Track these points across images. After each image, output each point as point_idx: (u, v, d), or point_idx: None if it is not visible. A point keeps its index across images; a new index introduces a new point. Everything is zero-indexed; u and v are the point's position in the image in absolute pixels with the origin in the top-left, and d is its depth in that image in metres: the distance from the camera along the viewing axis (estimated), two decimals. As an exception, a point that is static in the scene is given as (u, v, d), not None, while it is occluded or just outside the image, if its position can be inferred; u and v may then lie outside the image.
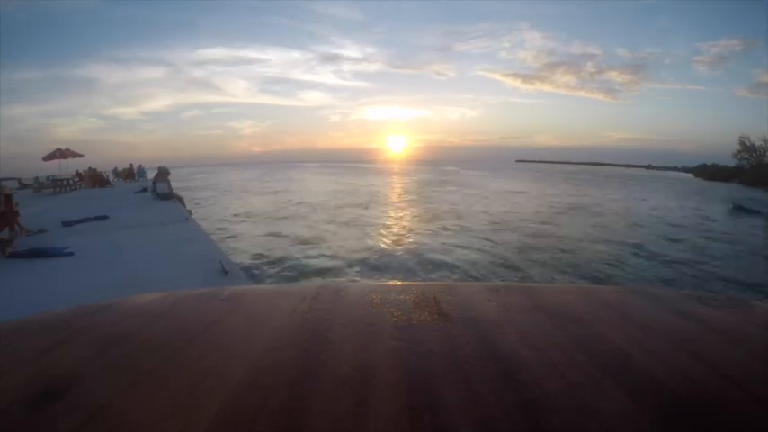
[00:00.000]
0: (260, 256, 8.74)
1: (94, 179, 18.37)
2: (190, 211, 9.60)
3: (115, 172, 21.17)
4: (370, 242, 10.14)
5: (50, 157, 17.51)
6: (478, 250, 9.29)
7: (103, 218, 7.50)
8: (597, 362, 0.41)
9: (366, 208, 16.81)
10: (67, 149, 18.13)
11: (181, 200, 10.94)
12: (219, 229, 11.65)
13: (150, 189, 12.57)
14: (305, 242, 10.06)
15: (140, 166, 22.08)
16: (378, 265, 8.09)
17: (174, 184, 11.80)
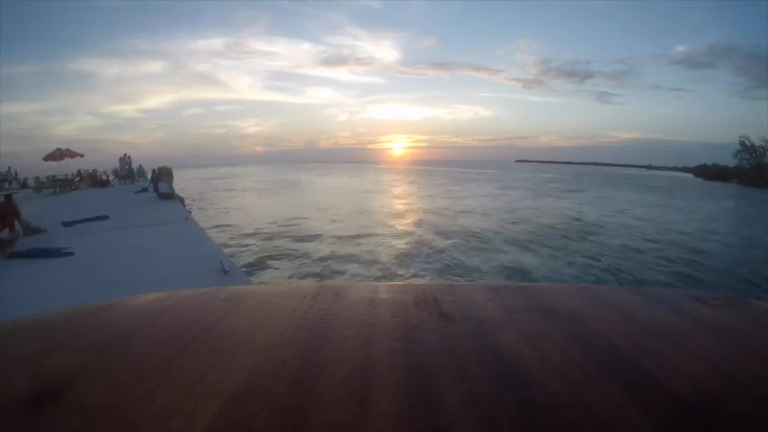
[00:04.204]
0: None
1: (94, 180, 18.42)
2: (189, 212, 9.60)
3: (115, 172, 21.21)
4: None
5: (51, 156, 17.52)
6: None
7: (104, 218, 7.50)
8: (597, 362, 0.41)
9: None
10: (68, 149, 18.15)
11: (182, 200, 10.95)
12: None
13: (150, 189, 12.58)
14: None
15: (140, 165, 22.12)
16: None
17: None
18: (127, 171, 19.80)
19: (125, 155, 20.61)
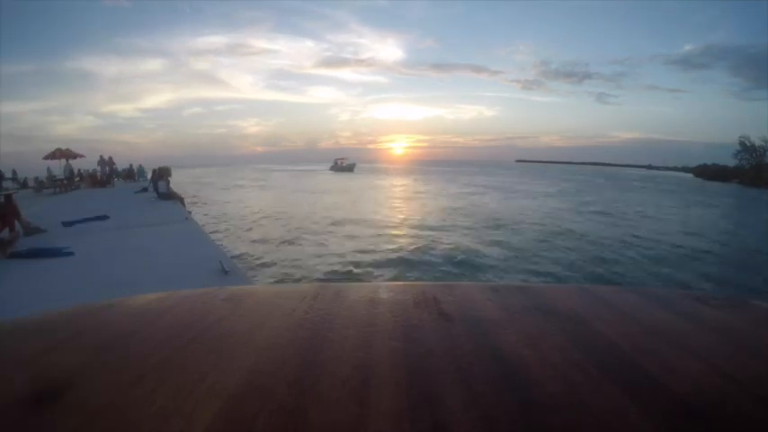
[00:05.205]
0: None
1: (94, 180, 18.43)
2: (189, 212, 9.61)
3: (115, 172, 21.22)
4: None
5: (50, 156, 17.50)
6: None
7: (104, 218, 7.50)
8: (597, 362, 0.41)
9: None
10: (68, 149, 18.14)
11: (181, 200, 10.96)
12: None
13: (150, 189, 12.61)
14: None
15: (140, 165, 22.15)
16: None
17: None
18: (108, 172, 19.27)
19: (105, 156, 20.03)
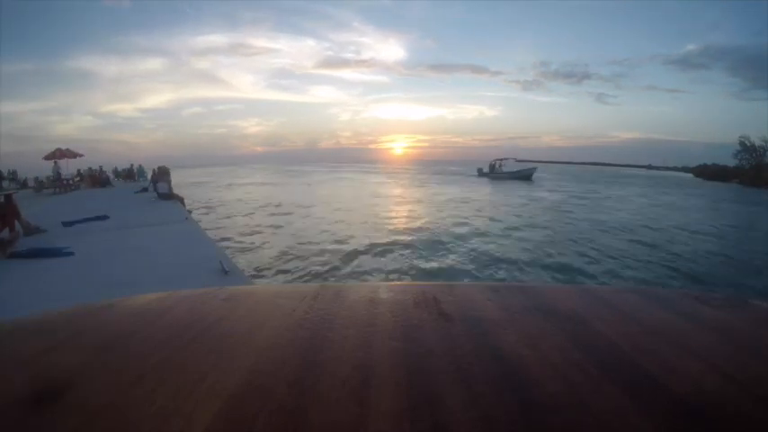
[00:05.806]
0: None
1: (94, 180, 18.45)
2: (189, 212, 9.62)
3: (115, 172, 21.25)
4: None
5: (50, 156, 17.50)
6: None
7: (104, 218, 7.50)
8: (597, 362, 0.41)
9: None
10: (68, 149, 18.14)
11: (181, 200, 10.97)
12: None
13: (151, 189, 12.62)
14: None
15: (140, 165, 22.20)
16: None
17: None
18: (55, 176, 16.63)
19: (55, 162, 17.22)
